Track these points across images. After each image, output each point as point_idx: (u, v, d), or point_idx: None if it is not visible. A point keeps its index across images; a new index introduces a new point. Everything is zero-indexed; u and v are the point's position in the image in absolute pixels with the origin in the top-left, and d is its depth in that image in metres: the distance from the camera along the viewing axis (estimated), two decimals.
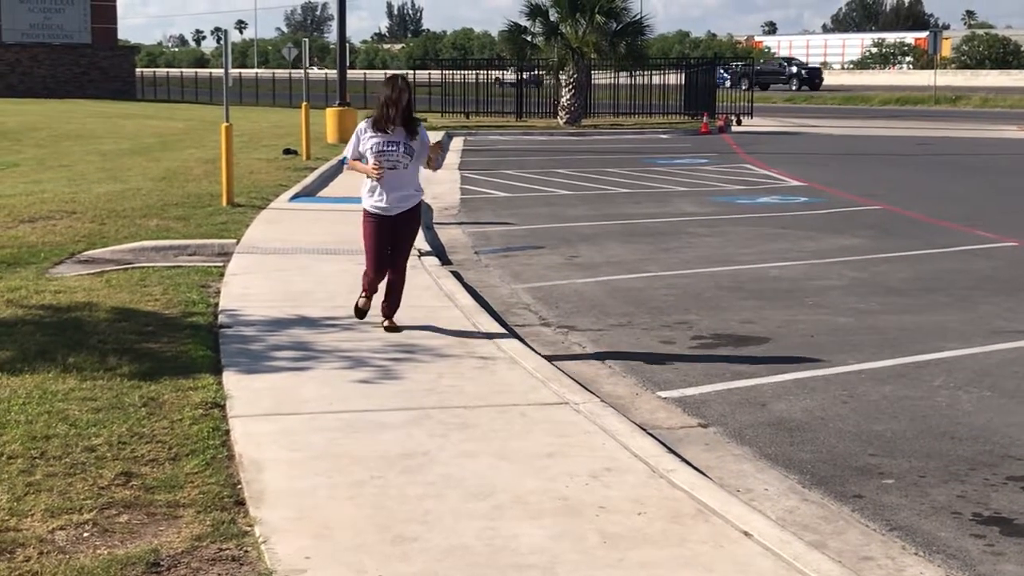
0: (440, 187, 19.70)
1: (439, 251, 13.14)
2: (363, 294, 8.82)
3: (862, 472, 6.24)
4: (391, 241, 8.56)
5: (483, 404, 6.92)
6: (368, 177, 8.43)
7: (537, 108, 41.73)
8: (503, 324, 9.37)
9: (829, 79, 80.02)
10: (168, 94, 63.91)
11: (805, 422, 7.09)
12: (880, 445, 6.67)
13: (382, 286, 8.81)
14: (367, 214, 8.59)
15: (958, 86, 70.65)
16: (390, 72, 9.28)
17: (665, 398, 7.57)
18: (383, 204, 8.48)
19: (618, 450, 6.09)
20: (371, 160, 8.37)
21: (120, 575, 4.42)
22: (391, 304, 8.73)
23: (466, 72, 43.33)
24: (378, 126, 8.37)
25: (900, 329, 9.57)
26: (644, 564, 4.66)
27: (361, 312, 8.84)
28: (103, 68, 61.80)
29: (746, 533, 5.00)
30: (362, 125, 8.54)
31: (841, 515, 5.65)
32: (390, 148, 8.36)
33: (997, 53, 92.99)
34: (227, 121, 16.25)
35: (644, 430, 6.60)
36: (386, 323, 8.70)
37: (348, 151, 8.62)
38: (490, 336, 8.65)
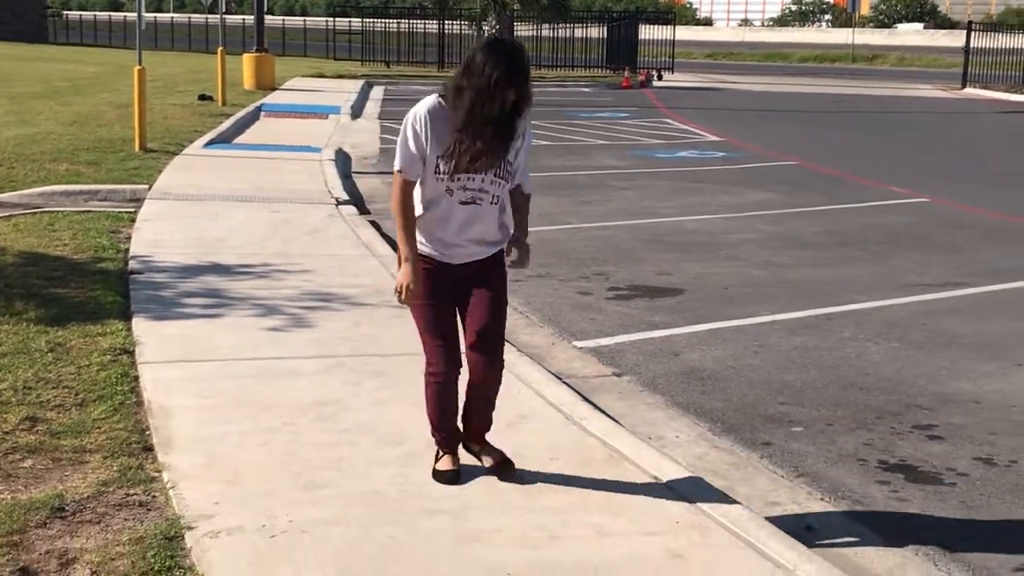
0: (359, 136, 19.53)
1: (357, 200, 13.02)
2: (437, 436, 5.02)
3: (771, 420, 6.33)
4: (456, 303, 4.88)
5: (398, 352, 6.89)
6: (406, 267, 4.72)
7: (459, 58, 41.37)
8: None
9: (750, 36, 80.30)
10: (81, 38, 62.36)
11: (717, 371, 7.16)
12: (790, 394, 6.76)
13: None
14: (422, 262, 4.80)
15: (876, 44, 71.49)
16: (490, 34, 4.99)
17: (581, 348, 7.60)
18: (447, 242, 4.77)
19: (533, 398, 6.10)
20: (433, 185, 4.66)
21: (24, 520, 4.34)
22: (478, 413, 5.04)
23: (388, 21, 42.86)
24: (467, 125, 4.52)
25: (812, 282, 9.70)
26: (556, 509, 4.68)
27: (450, 477, 4.94)
28: (13, 10, 60.00)
29: (656, 478, 5.04)
30: (424, 112, 4.59)
31: (750, 462, 5.73)
32: (461, 163, 4.60)
33: (914, 12, 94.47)
34: (140, 64, 15.92)
35: (559, 379, 6.62)
36: (477, 448, 5.10)
37: (400, 159, 4.67)
38: None
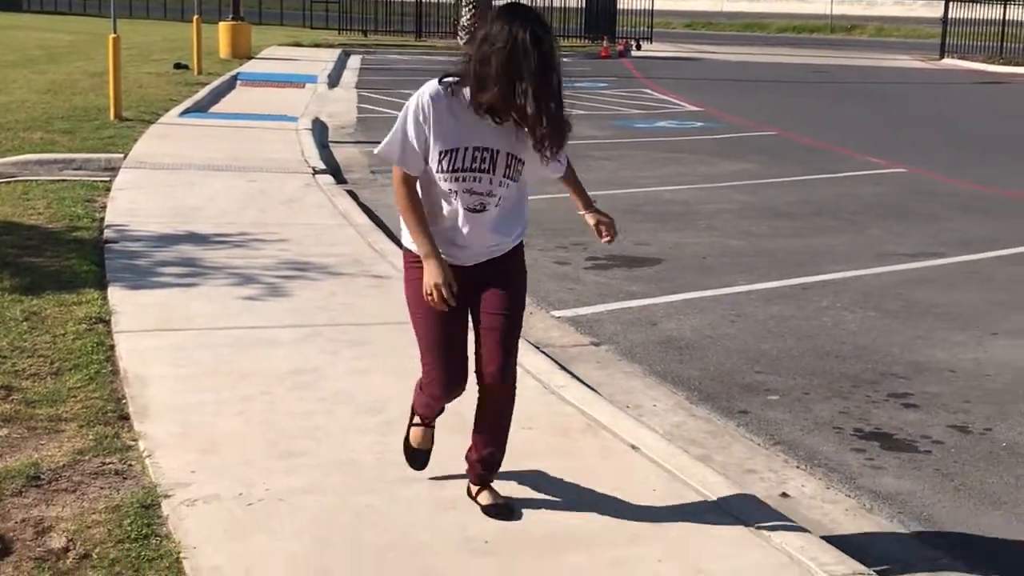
0: (336, 105, 19.42)
1: (334, 170, 12.95)
2: (416, 419, 4.54)
3: (748, 389, 6.35)
4: (467, 305, 4.20)
5: (376, 322, 6.88)
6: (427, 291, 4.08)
7: (437, 28, 41.22)
8: (398, 244, 9.29)
9: (728, 6, 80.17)
10: (55, 5, 61.59)
11: (694, 341, 7.18)
12: (766, 363, 6.79)
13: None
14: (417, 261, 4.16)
15: (854, 15, 71.41)
16: None
17: (559, 317, 7.60)
18: (459, 244, 4.16)
19: None
20: (443, 184, 4.06)
21: None
22: (489, 446, 4.35)
23: None
24: (477, 111, 3.95)
25: (789, 252, 9.72)
26: (532, 477, 4.69)
27: (417, 456, 4.57)
28: None
29: (634, 447, 5.06)
30: (427, 97, 3.99)
31: (727, 430, 5.75)
32: (482, 165, 4.03)
33: None
34: (115, 32, 15.76)
35: (537, 348, 6.62)
36: (475, 490, 4.40)
37: (393, 149, 4.04)
38: (384, 255, 8.58)
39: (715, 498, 4.55)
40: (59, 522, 4.07)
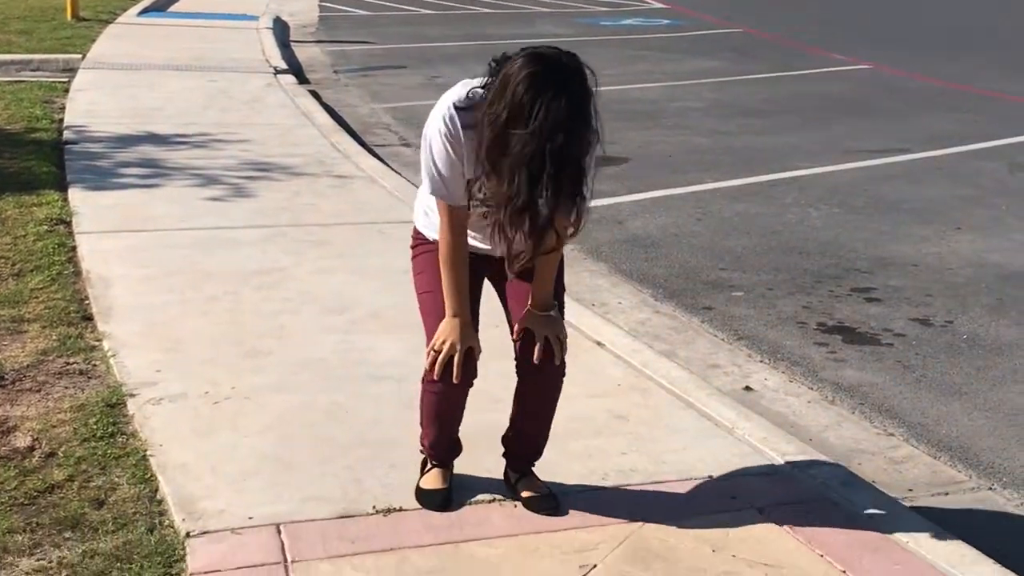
0: (298, 4, 19.09)
1: (296, 69, 12.78)
2: (427, 450, 3.76)
3: (713, 286, 6.38)
4: (486, 286, 3.69)
5: (340, 222, 6.84)
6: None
7: None
8: (362, 144, 9.21)
9: None
10: None
11: (660, 239, 7.19)
12: (731, 260, 6.81)
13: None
14: (429, 245, 3.58)
15: None
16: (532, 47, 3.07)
17: None
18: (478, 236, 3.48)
19: None
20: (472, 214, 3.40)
21: None
22: (533, 434, 3.74)
23: None
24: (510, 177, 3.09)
25: (755, 149, 9.71)
26: (500, 373, 4.69)
27: (436, 498, 3.66)
28: None
29: (599, 343, 5.08)
30: (452, 124, 3.24)
31: (691, 326, 5.78)
32: None
33: None
34: None
35: None
36: (515, 478, 3.75)
37: (434, 186, 3.33)
38: (348, 155, 8.50)
39: (679, 392, 4.59)
40: (24, 421, 4.05)
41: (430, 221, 3.53)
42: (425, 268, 3.58)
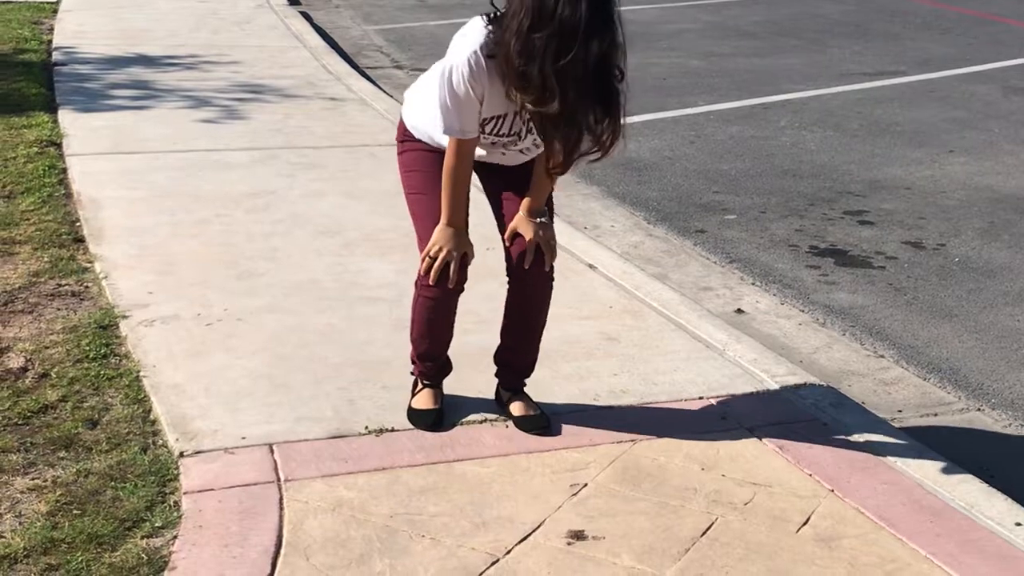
0: None
1: None
2: (418, 365, 3.76)
3: (706, 208, 6.37)
4: (483, 186, 3.73)
5: (332, 144, 6.81)
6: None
7: None
8: (354, 66, 9.14)
9: None
10: None
11: (653, 162, 7.16)
12: (724, 183, 6.80)
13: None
14: (417, 143, 3.60)
15: None
16: None
17: None
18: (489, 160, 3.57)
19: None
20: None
21: None
22: (523, 347, 3.77)
23: None
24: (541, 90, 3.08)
25: (750, 71, 9.64)
26: (488, 295, 4.70)
27: (425, 415, 3.68)
28: None
29: (591, 266, 5.09)
30: (472, 56, 3.17)
31: (683, 249, 5.78)
32: (512, 128, 3.38)
33: None
34: None
35: None
36: (507, 397, 3.77)
37: (450, 122, 3.29)
38: (339, 77, 8.44)
39: (670, 314, 4.60)
40: (16, 342, 4.06)
41: (427, 117, 3.46)
42: (415, 167, 3.58)
